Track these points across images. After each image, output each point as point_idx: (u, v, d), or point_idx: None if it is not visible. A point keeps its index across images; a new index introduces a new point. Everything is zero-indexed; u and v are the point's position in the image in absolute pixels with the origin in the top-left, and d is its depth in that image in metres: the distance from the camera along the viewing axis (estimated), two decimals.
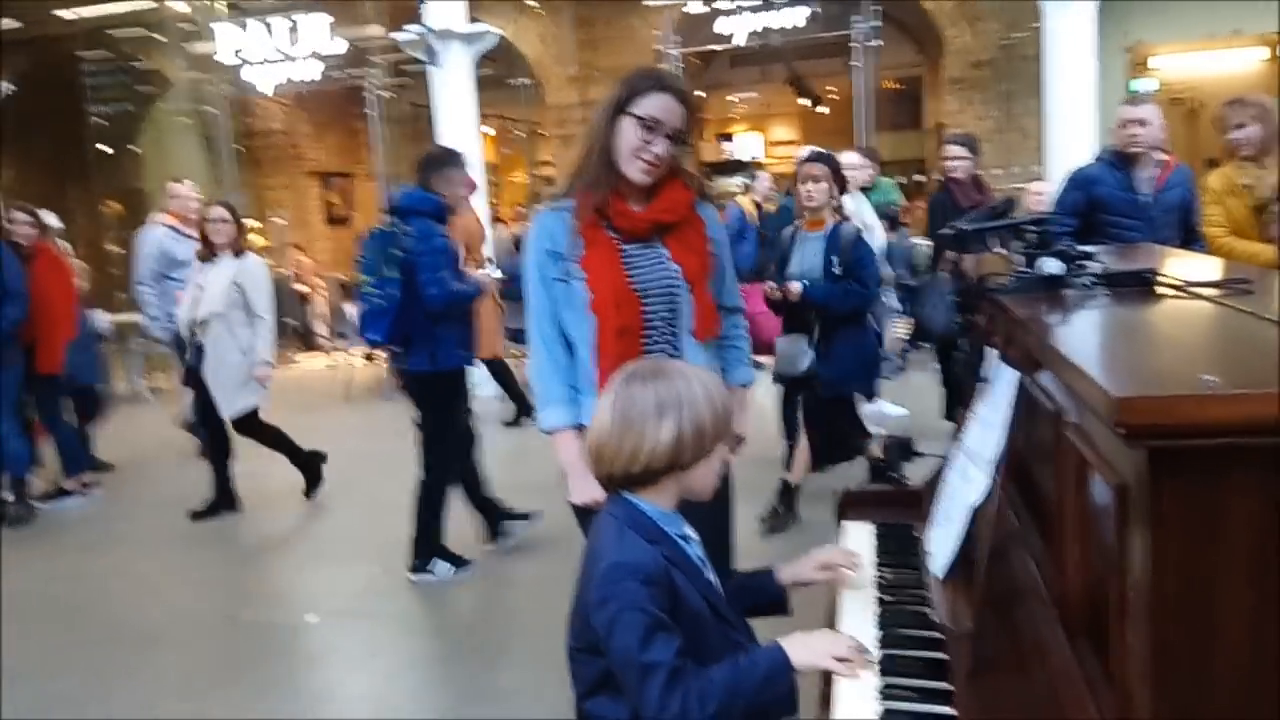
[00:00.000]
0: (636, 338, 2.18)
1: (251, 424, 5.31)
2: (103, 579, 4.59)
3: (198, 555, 4.86)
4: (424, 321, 3.98)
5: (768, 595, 1.82)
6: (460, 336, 4.14)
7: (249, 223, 11.09)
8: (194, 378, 5.19)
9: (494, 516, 4.50)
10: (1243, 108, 4.03)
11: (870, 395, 4.70)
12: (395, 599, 4.08)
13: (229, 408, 5.17)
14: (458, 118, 8.41)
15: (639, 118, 2.12)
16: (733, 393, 2.39)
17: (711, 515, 1.88)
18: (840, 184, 4.36)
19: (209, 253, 5.17)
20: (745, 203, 7.97)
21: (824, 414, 4.40)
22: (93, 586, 4.49)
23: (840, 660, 1.49)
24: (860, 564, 1.81)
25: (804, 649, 1.50)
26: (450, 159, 4.24)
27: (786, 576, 1.82)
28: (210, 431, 5.36)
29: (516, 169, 18.93)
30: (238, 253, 5.18)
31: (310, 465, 5.58)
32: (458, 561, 4.24)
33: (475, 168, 8.56)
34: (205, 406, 5.23)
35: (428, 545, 4.16)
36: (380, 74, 10.50)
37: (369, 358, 10.17)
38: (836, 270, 4.21)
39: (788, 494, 4.51)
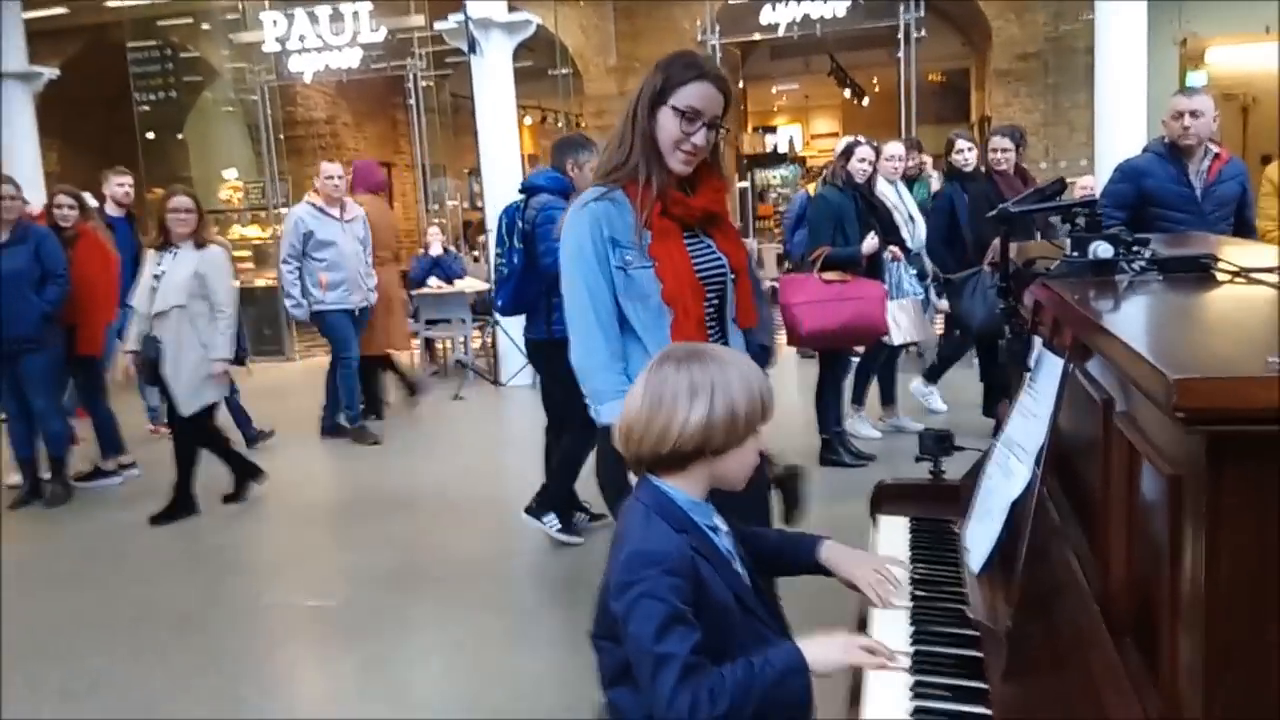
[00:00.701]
0: (705, 326, 2.17)
1: (201, 424, 5.07)
2: (136, 558, 4.62)
3: (231, 536, 4.88)
4: (542, 291, 4.19)
5: (808, 568, 1.76)
6: None
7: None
8: (151, 373, 4.98)
9: (567, 504, 4.51)
10: None
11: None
12: (421, 582, 4.07)
13: (189, 405, 4.96)
14: (497, 107, 8.40)
15: (679, 110, 2.08)
16: None
17: (748, 506, 1.83)
18: None
19: (164, 241, 5.00)
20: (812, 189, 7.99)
21: None
22: (126, 565, 4.52)
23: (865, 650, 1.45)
24: (901, 583, 1.71)
25: (822, 650, 1.45)
26: (583, 143, 4.40)
27: (827, 560, 1.74)
28: (174, 430, 5.15)
29: None
30: (200, 244, 4.99)
31: (245, 475, 5.32)
32: (569, 526, 4.39)
33: (513, 158, 8.60)
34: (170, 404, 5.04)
35: (552, 499, 4.36)
36: (421, 64, 10.50)
37: None
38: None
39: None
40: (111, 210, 6.76)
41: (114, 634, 3.73)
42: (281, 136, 11.47)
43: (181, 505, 5.11)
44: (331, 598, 3.99)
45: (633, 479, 1.60)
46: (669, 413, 1.48)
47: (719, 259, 2.21)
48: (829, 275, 4.96)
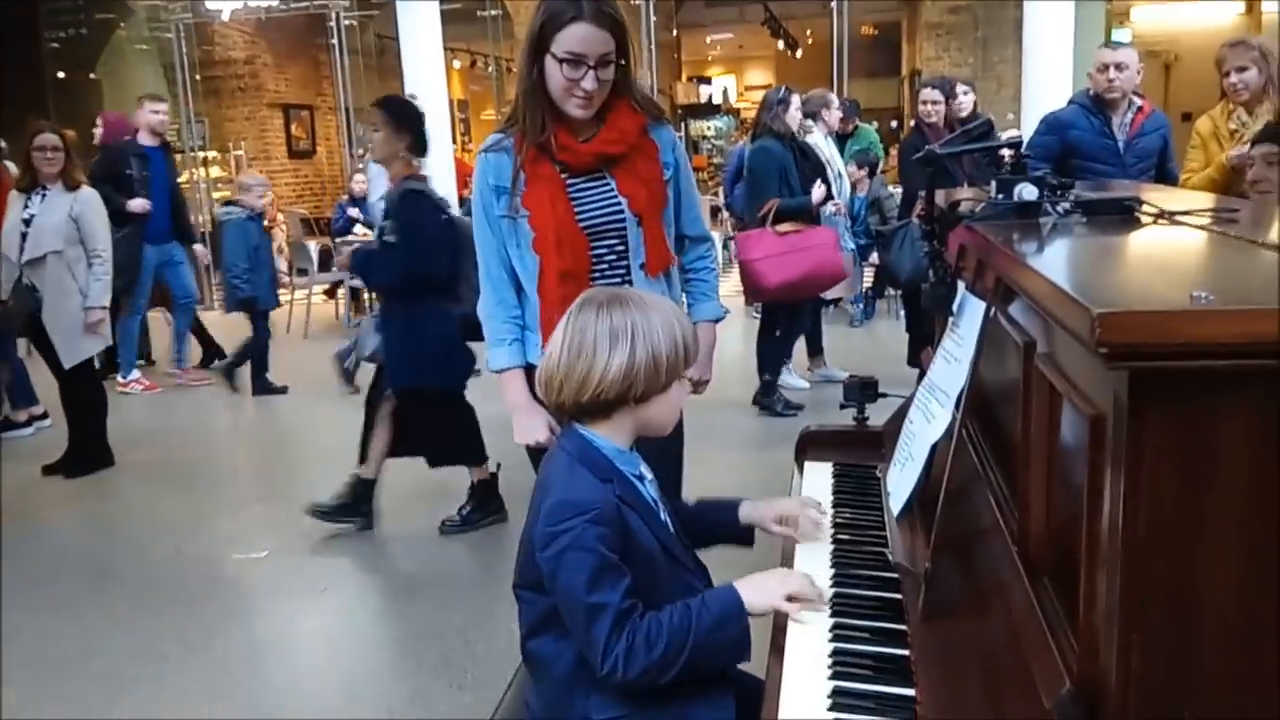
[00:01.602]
0: (583, 278, 2.07)
1: (82, 377, 4.79)
2: (47, 512, 4.47)
3: (151, 490, 4.74)
4: None
5: (729, 529, 1.77)
6: None
7: (209, 154, 10.93)
8: (26, 324, 4.71)
9: None
10: (1245, 50, 3.82)
11: (443, 392, 3.82)
12: (348, 537, 4.00)
13: (72, 355, 4.67)
14: (424, 50, 8.21)
15: (560, 58, 1.97)
16: (699, 329, 2.30)
17: (663, 451, 1.80)
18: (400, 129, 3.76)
19: (32, 182, 4.71)
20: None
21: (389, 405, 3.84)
22: (37, 520, 4.37)
23: (793, 600, 1.45)
24: (823, 520, 1.74)
25: (757, 590, 1.45)
26: None
27: (746, 516, 1.76)
28: (64, 384, 4.84)
29: (486, 105, 18.58)
30: (71, 185, 4.70)
31: (89, 452, 4.92)
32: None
33: (441, 102, 8.40)
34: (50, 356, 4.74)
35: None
36: (345, 2, 10.16)
37: (329, 294, 10.00)
38: (389, 237, 3.64)
39: (359, 488, 3.97)
40: (146, 140, 6.44)
41: (27, 588, 3.61)
42: (198, 77, 11.06)
43: (93, 456, 4.92)
44: (257, 550, 3.90)
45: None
46: (589, 360, 1.44)
47: (616, 202, 2.10)
48: (783, 227, 4.95)
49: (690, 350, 1.51)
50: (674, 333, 1.47)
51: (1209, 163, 3.87)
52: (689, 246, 2.32)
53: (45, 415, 5.77)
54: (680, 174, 2.22)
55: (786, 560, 1.67)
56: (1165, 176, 4.18)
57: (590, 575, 1.37)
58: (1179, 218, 1.35)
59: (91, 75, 12.95)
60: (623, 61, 2.04)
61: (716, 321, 2.34)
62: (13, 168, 5.85)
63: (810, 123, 5.68)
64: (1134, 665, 0.88)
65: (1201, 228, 1.28)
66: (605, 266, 2.12)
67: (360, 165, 9.45)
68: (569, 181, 2.08)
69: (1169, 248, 1.29)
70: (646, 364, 1.44)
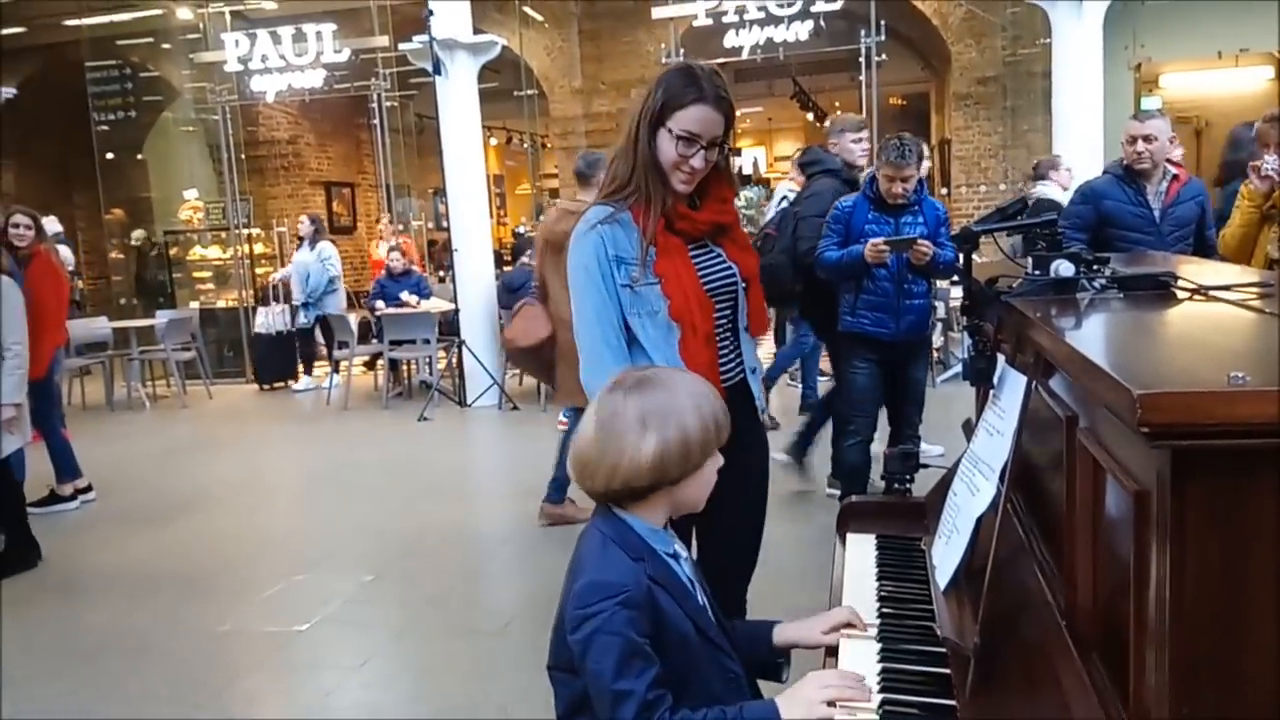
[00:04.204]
0: (714, 340, 2.14)
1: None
2: (90, 587, 4.52)
3: (187, 562, 4.79)
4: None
5: (758, 655, 1.70)
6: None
7: (253, 231, 11.19)
8: None
9: None
10: None
11: None
12: (386, 606, 4.02)
13: None
14: (462, 128, 8.39)
15: (676, 135, 2.05)
16: None
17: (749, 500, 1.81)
18: None
19: None
20: None
21: None
22: (80, 595, 4.42)
23: (835, 703, 1.41)
24: (866, 625, 1.68)
25: (797, 704, 1.41)
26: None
27: (786, 638, 1.70)
28: None
29: (521, 180, 18.93)
30: None
31: (18, 552, 4.74)
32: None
33: (478, 178, 8.59)
34: None
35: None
36: (385, 84, 10.47)
37: (369, 366, 10.15)
38: None
39: None
40: None
41: (72, 664, 3.65)
42: (243, 156, 11.38)
43: (20, 555, 4.71)
44: (297, 622, 3.92)
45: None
46: (618, 447, 1.44)
47: (729, 269, 2.19)
48: None
49: (721, 426, 1.51)
50: (702, 412, 1.47)
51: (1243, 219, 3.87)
52: None
53: (90, 489, 5.86)
54: None
55: (834, 625, 1.66)
56: (1203, 245, 4.17)
57: (618, 661, 1.36)
58: (1214, 293, 1.38)
59: (139, 156, 13.39)
60: (723, 147, 2.11)
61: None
62: (67, 252, 5.99)
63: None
64: None
65: (1236, 304, 1.30)
66: (721, 332, 2.18)
67: (394, 244, 9.70)
68: (690, 250, 2.15)
69: (1204, 324, 1.31)
70: (678, 448, 1.44)
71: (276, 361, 9.93)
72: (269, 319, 9.88)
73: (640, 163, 2.10)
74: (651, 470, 1.44)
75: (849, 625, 1.65)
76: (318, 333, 9.81)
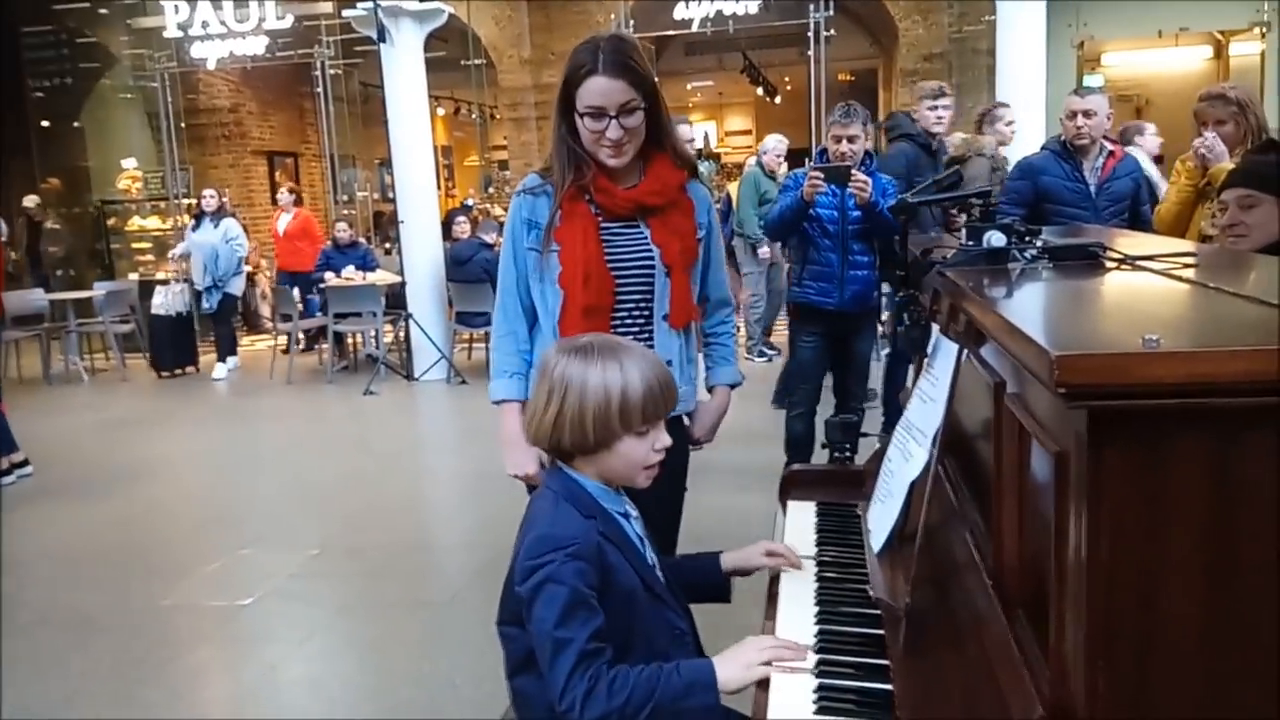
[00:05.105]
0: (605, 317, 2.09)
1: None
2: (27, 562, 4.44)
3: (128, 537, 4.72)
4: None
5: (709, 580, 1.79)
6: None
7: (189, 202, 10.94)
8: None
9: None
10: (1224, 104, 3.74)
11: None
12: (331, 580, 4.00)
13: None
14: (408, 98, 8.28)
15: (581, 112, 2.03)
16: (714, 393, 2.35)
17: (663, 496, 1.84)
18: None
19: None
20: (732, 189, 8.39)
21: None
22: (17, 570, 4.34)
23: (771, 663, 1.44)
24: (801, 564, 1.79)
25: (733, 664, 1.44)
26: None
27: (730, 563, 1.79)
28: None
29: (470, 152, 18.73)
30: None
31: None
32: None
33: (425, 149, 8.49)
34: None
35: None
36: (329, 51, 10.27)
37: (313, 341, 10.02)
38: None
39: None
40: None
41: (11, 642, 3.59)
42: (183, 125, 11.12)
43: None
44: (242, 597, 3.89)
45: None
46: (559, 404, 1.49)
47: (647, 251, 2.12)
48: None
49: (668, 398, 1.54)
50: (647, 380, 1.50)
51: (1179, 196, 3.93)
52: (710, 309, 2.35)
53: (27, 462, 5.75)
54: (711, 236, 2.26)
55: (772, 600, 1.70)
56: (1139, 219, 4.26)
57: (562, 609, 1.39)
58: (1140, 263, 1.42)
59: (75, 124, 13.02)
60: (646, 109, 2.05)
61: (734, 387, 2.37)
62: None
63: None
64: (1101, 692, 0.92)
65: (1160, 273, 1.34)
66: (625, 314, 2.13)
67: (343, 214, 9.53)
68: (604, 224, 2.12)
69: (1128, 292, 1.34)
70: (619, 410, 1.48)
71: (176, 346, 9.24)
72: (168, 299, 9.13)
73: (557, 148, 2.11)
74: (591, 428, 1.49)
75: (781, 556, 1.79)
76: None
